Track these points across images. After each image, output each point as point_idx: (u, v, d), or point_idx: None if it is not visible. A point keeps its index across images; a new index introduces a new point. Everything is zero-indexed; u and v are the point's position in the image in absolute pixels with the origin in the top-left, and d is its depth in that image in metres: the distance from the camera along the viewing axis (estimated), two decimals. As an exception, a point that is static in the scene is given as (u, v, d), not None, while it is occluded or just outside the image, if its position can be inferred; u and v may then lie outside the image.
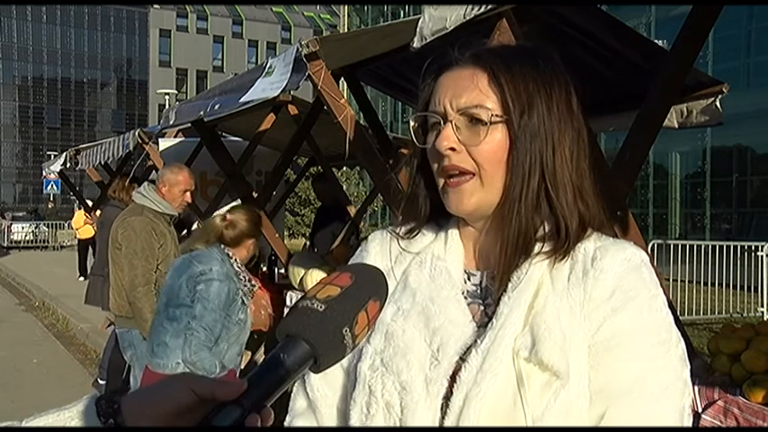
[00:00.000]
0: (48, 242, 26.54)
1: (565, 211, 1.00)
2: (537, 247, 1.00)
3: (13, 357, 7.80)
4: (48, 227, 27.10)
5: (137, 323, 4.06)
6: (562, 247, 1.00)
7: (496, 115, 1.00)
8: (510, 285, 1.00)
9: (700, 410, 2.48)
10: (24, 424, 0.69)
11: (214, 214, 3.44)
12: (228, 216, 3.26)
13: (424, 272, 1.07)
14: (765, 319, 9.62)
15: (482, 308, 1.05)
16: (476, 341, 0.99)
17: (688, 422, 0.97)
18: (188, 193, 4.30)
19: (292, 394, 1.13)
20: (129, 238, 4.08)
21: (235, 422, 0.67)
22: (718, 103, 4.07)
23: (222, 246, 3.27)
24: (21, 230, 27.20)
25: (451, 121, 1.01)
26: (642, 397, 0.93)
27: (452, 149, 1.01)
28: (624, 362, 0.95)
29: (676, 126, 4.25)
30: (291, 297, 5.29)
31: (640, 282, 0.99)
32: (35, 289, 13.05)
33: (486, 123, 1.00)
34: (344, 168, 19.71)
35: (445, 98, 1.02)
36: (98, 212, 11.87)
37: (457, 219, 1.10)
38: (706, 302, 10.52)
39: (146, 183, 4.40)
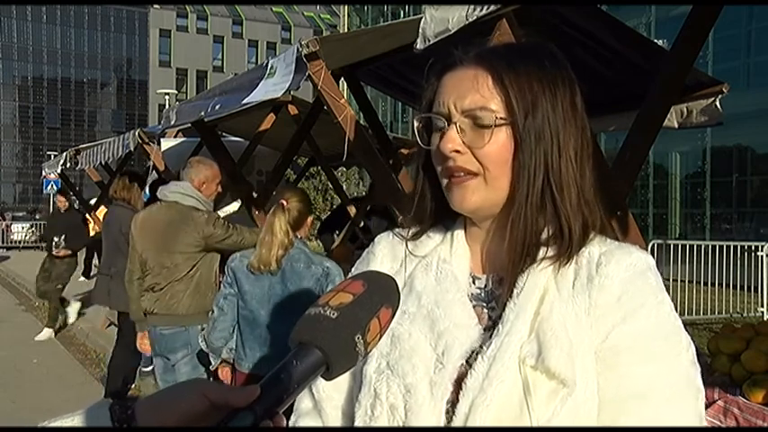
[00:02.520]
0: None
1: (568, 212, 0.99)
2: (542, 252, 1.00)
3: (13, 357, 7.80)
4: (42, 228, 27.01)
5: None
6: (566, 251, 0.99)
7: (501, 117, 0.98)
8: (515, 291, 0.99)
9: (700, 410, 2.48)
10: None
11: (273, 209, 3.42)
12: (286, 204, 3.29)
13: (430, 275, 1.07)
14: (765, 319, 9.61)
15: (487, 311, 1.04)
16: (481, 347, 0.98)
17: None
18: (219, 185, 4.43)
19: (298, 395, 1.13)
20: (219, 238, 4.12)
21: (247, 428, 0.68)
22: (718, 103, 4.07)
23: (296, 235, 3.33)
24: (21, 230, 27.20)
25: (456, 123, 1.00)
26: (653, 402, 0.92)
27: (457, 152, 1.00)
28: (633, 368, 0.93)
29: (676, 126, 4.25)
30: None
31: (647, 287, 0.98)
32: (35, 289, 13.04)
33: (491, 125, 0.98)
34: (342, 168, 19.72)
35: (449, 99, 1.01)
36: (98, 212, 11.89)
37: (463, 220, 1.09)
38: (706, 302, 10.52)
39: (172, 184, 4.37)
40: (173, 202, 4.17)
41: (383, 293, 0.81)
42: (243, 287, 3.34)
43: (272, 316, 3.25)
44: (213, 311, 3.48)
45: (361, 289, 0.79)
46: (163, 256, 4.16)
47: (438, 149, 1.02)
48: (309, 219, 3.41)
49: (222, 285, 3.49)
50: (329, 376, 0.75)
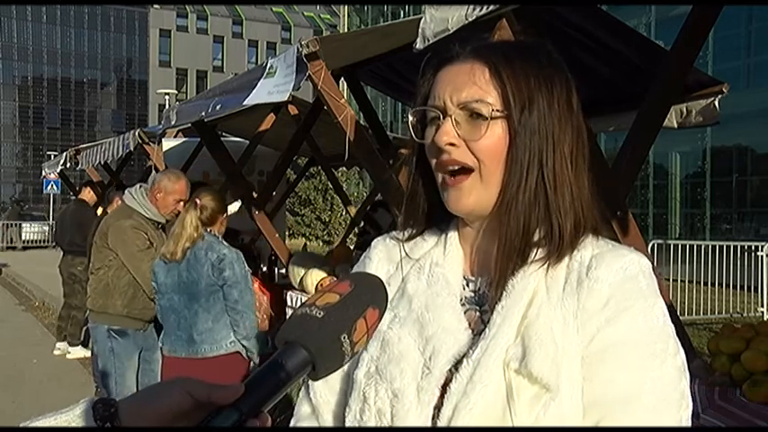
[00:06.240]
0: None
1: (560, 210, 0.98)
2: (533, 254, 0.99)
3: (13, 357, 7.81)
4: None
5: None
6: (557, 250, 0.98)
7: (497, 110, 0.98)
8: (505, 293, 0.98)
9: (700, 411, 2.48)
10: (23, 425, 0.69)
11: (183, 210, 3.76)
12: (198, 202, 3.59)
13: (422, 279, 1.06)
14: (765, 319, 9.62)
15: (479, 314, 1.03)
16: (468, 351, 0.97)
17: None
18: (181, 203, 4.18)
19: (298, 400, 1.13)
20: (124, 243, 4.14)
21: (232, 426, 0.68)
22: (716, 103, 4.08)
23: (207, 229, 3.61)
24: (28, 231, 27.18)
25: (451, 116, 1.00)
26: (636, 409, 0.91)
27: (452, 144, 0.99)
28: (617, 373, 0.92)
29: (675, 126, 4.25)
30: (291, 297, 5.30)
31: (636, 291, 0.96)
32: (35, 289, 13.04)
33: (487, 118, 0.98)
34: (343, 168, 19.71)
35: (445, 93, 1.01)
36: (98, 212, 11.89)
37: (457, 221, 1.08)
38: (706, 302, 10.52)
39: (138, 185, 4.38)
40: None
41: (370, 294, 0.81)
42: (159, 279, 3.65)
43: (183, 301, 3.58)
44: None
45: (348, 289, 0.79)
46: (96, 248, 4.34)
47: (433, 142, 1.01)
48: (222, 216, 3.70)
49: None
50: (315, 376, 0.75)
